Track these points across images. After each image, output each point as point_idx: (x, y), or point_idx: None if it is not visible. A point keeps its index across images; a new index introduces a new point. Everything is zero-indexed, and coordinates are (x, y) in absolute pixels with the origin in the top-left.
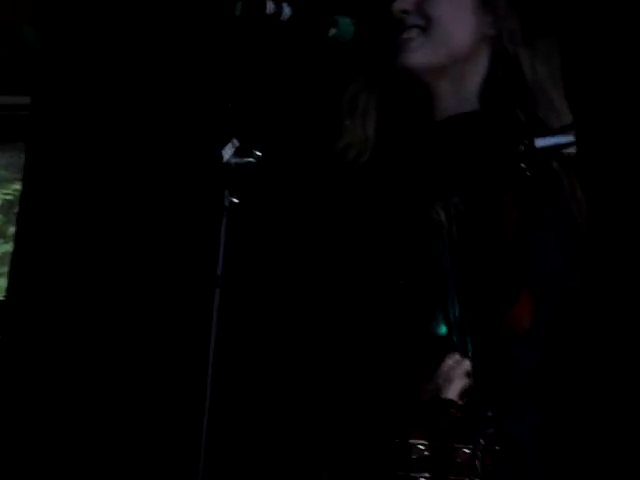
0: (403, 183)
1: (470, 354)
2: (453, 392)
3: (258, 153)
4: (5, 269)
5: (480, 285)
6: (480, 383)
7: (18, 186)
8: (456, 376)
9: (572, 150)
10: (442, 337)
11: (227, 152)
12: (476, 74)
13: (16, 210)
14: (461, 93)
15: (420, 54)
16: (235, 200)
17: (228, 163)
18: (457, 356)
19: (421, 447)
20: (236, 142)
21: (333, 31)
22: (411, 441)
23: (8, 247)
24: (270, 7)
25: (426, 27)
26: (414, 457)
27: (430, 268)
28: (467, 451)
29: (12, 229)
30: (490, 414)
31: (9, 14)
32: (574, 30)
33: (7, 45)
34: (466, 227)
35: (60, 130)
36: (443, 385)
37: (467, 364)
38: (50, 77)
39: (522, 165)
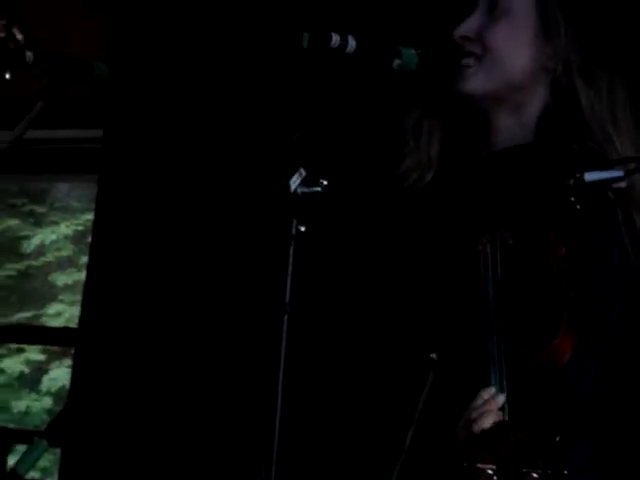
0: (456, 210)
1: (506, 389)
2: (486, 425)
3: (325, 182)
4: (77, 298)
5: (521, 320)
6: (547, 410)
7: (89, 216)
8: (490, 410)
9: (622, 184)
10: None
11: (295, 182)
12: (534, 105)
13: (88, 240)
14: (518, 123)
15: (475, 81)
16: (302, 229)
17: (295, 192)
18: (492, 390)
19: (489, 472)
20: (303, 172)
21: (397, 62)
22: (479, 465)
23: (80, 276)
24: (336, 40)
25: (482, 55)
26: None
27: (473, 298)
28: (535, 475)
29: (84, 259)
30: (558, 439)
31: (82, 49)
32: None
33: (80, 80)
34: (512, 260)
35: (131, 162)
36: (477, 418)
37: (502, 399)
38: (121, 111)
39: (572, 199)
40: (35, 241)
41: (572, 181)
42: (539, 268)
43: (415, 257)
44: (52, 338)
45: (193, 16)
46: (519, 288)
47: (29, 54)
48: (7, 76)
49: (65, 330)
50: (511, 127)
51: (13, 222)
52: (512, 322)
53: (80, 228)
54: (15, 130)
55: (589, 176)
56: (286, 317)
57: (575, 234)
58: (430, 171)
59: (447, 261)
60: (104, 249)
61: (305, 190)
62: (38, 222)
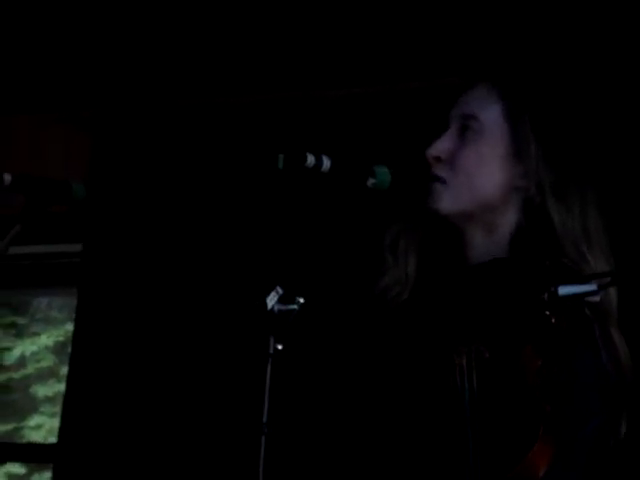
0: (433, 324)
1: None
2: None
3: (301, 300)
4: (58, 409)
5: (496, 433)
6: None
7: (70, 327)
8: None
9: (596, 298)
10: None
11: (271, 299)
12: (506, 223)
13: (69, 350)
14: (492, 240)
15: (446, 200)
16: (280, 347)
17: (272, 310)
18: None
19: None
20: (280, 290)
21: (372, 181)
22: None
23: (61, 387)
24: (311, 160)
25: (453, 175)
26: None
27: (449, 411)
28: None
29: (65, 369)
30: None
31: (61, 172)
32: (613, 183)
33: (58, 201)
34: (488, 373)
35: (110, 275)
36: None
37: None
38: (99, 227)
39: (546, 312)
40: (16, 353)
41: (546, 295)
42: (515, 381)
43: (392, 371)
44: (31, 454)
45: (168, 136)
46: (495, 401)
47: (7, 177)
48: None
49: (45, 446)
50: (484, 243)
51: None
52: (488, 435)
53: (61, 339)
54: None
55: (563, 290)
56: (264, 437)
57: (551, 348)
58: (408, 287)
59: (423, 374)
60: (84, 360)
61: (282, 308)
62: (19, 333)
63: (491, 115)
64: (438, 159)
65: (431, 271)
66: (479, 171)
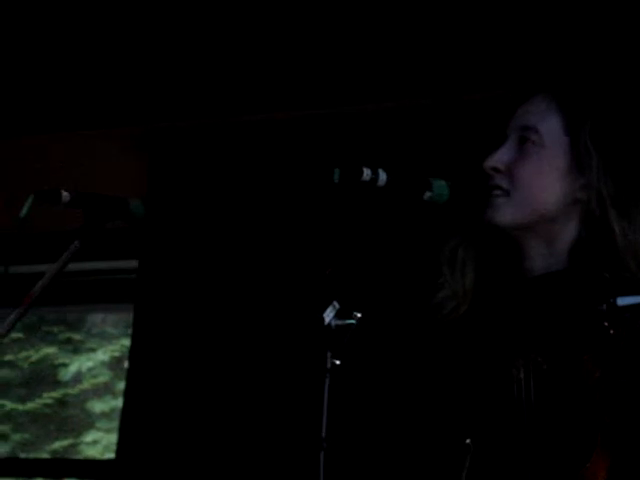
0: (491, 336)
1: None
2: None
3: (358, 315)
4: (114, 425)
5: (554, 443)
6: None
7: (125, 342)
8: None
9: None
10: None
11: (328, 315)
12: (566, 234)
13: (124, 366)
14: (551, 252)
15: (505, 212)
16: (337, 362)
17: (329, 325)
18: None
19: None
20: (337, 304)
21: (428, 194)
22: None
23: (117, 403)
24: (367, 173)
25: (512, 187)
26: None
27: (507, 422)
28: None
29: (120, 385)
30: None
31: (119, 187)
32: None
33: (116, 217)
34: (546, 384)
35: (166, 291)
36: None
37: None
38: (156, 243)
39: (605, 323)
40: (72, 369)
41: (605, 306)
42: (573, 392)
43: (450, 384)
44: (88, 470)
45: (226, 152)
46: (553, 412)
47: (65, 194)
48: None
49: (102, 462)
50: (544, 255)
51: (50, 350)
52: (546, 445)
53: (116, 354)
54: (53, 267)
55: (622, 301)
56: (322, 453)
57: (610, 358)
58: (465, 301)
59: (482, 386)
60: (141, 376)
61: (339, 323)
62: (75, 349)
63: (551, 127)
64: (496, 170)
65: (489, 284)
66: (539, 183)
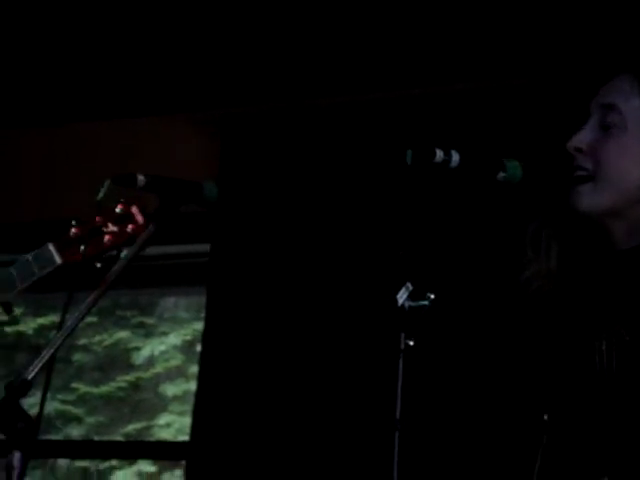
0: (575, 310)
1: None
2: None
3: (432, 296)
4: (186, 408)
5: (634, 415)
6: None
7: (197, 326)
8: None
9: None
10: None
11: (402, 296)
12: None
13: (196, 350)
14: (636, 231)
15: (590, 198)
16: (411, 343)
17: (403, 307)
18: None
19: None
20: (410, 286)
21: (502, 175)
22: None
23: (189, 386)
24: (439, 155)
25: (595, 170)
26: None
27: (589, 394)
28: None
29: (192, 368)
30: None
31: (189, 173)
32: None
33: (190, 201)
34: (627, 356)
35: (238, 274)
36: None
37: None
38: (228, 227)
39: None
40: (145, 352)
41: None
42: None
43: (531, 358)
44: (162, 452)
45: (298, 135)
46: (634, 382)
47: (141, 178)
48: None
49: (175, 443)
50: (629, 233)
51: (124, 334)
52: (628, 415)
53: (188, 338)
54: (129, 250)
55: None
56: (397, 434)
57: None
58: (550, 280)
59: (563, 359)
60: (215, 359)
61: (412, 304)
62: (148, 333)
63: (634, 107)
64: (579, 150)
65: (574, 262)
66: (624, 164)
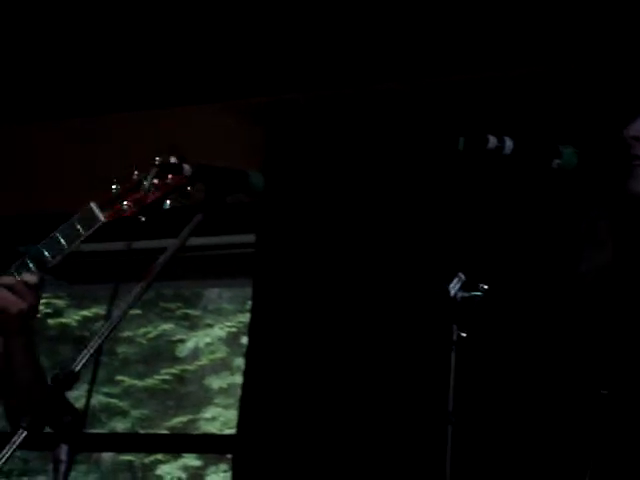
0: (630, 296)
1: None
2: None
3: (485, 286)
4: (231, 401)
5: None
6: None
7: (242, 318)
8: None
9: None
10: None
11: (454, 287)
12: None
13: (240, 342)
14: None
15: None
16: (463, 334)
17: (455, 297)
18: None
19: None
20: (462, 276)
21: (557, 162)
22: None
23: (234, 379)
24: (492, 141)
25: None
26: None
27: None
28: None
29: (237, 361)
30: None
31: (233, 162)
32: None
33: (237, 190)
34: None
35: (284, 265)
36: None
37: None
38: (273, 217)
39: None
40: (189, 345)
41: None
42: None
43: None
44: (209, 445)
45: (343, 124)
46: None
47: (187, 167)
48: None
49: (221, 437)
50: None
51: (168, 326)
52: None
53: (233, 330)
54: (175, 242)
55: None
56: (450, 427)
57: None
58: (606, 270)
59: (619, 337)
60: (261, 351)
61: (465, 295)
62: (192, 325)
63: None
64: (638, 139)
65: (630, 251)
66: None
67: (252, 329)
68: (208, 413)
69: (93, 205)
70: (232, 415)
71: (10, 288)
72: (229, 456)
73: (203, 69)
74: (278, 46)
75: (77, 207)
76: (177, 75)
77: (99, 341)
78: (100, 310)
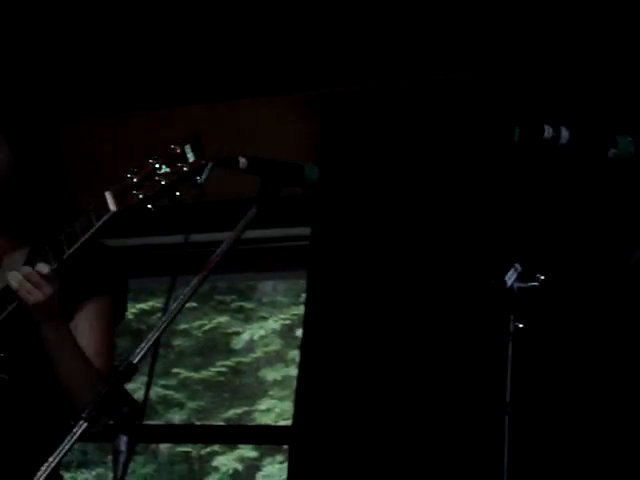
0: None
1: None
2: None
3: (542, 277)
4: (286, 393)
5: None
6: None
7: (296, 311)
8: None
9: None
10: None
11: (510, 277)
12: None
13: (295, 334)
14: None
15: None
16: (520, 325)
17: (511, 288)
18: None
19: None
20: (519, 267)
21: (613, 151)
22: None
23: (288, 371)
24: (548, 131)
25: None
26: None
27: None
28: None
29: (291, 353)
30: None
31: (289, 156)
32: None
33: (292, 183)
34: None
35: (339, 257)
36: None
37: None
38: (329, 209)
39: None
40: (244, 337)
41: None
42: None
43: None
44: (265, 436)
45: (398, 115)
46: None
47: (243, 161)
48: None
49: (277, 428)
50: None
51: (223, 319)
52: None
53: (287, 322)
54: (232, 233)
55: None
56: (507, 418)
57: None
58: None
59: None
60: (315, 343)
61: (521, 285)
62: (247, 318)
63: None
64: None
65: None
66: None
67: (307, 321)
68: (263, 405)
69: (107, 194)
70: (287, 407)
71: (27, 278)
72: (285, 447)
73: (260, 63)
74: (334, 38)
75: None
76: (234, 69)
77: (157, 334)
78: (156, 303)
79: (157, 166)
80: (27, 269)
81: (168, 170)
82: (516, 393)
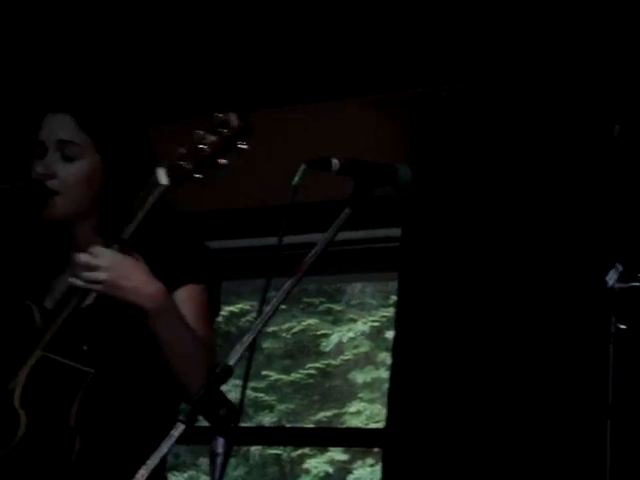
0: None
1: None
2: None
3: None
4: (376, 395)
5: None
6: None
7: (385, 313)
8: None
9: None
10: None
11: (611, 277)
12: None
13: (384, 336)
14: None
15: None
16: (623, 327)
17: (612, 289)
18: None
19: None
20: (620, 267)
21: None
22: None
23: (378, 373)
24: None
25: None
26: None
27: None
28: None
29: (381, 355)
30: None
31: (381, 156)
32: None
33: (385, 184)
34: None
35: (430, 259)
36: None
37: None
38: (420, 211)
39: None
40: (333, 339)
41: None
42: None
43: None
44: (355, 439)
45: (490, 115)
46: None
47: (335, 162)
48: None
49: (368, 431)
50: None
51: (311, 321)
52: None
53: (376, 324)
54: (324, 236)
55: None
56: (609, 421)
57: None
58: None
59: None
60: (407, 345)
61: (623, 286)
62: (335, 320)
63: None
64: None
65: None
66: None
67: (398, 323)
68: (353, 407)
69: (159, 170)
70: (377, 409)
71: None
72: (376, 450)
73: (348, 64)
74: (421, 39)
75: (234, 204)
76: (324, 70)
77: (252, 336)
78: (245, 306)
79: (201, 135)
80: (83, 256)
81: (213, 138)
82: (618, 396)
